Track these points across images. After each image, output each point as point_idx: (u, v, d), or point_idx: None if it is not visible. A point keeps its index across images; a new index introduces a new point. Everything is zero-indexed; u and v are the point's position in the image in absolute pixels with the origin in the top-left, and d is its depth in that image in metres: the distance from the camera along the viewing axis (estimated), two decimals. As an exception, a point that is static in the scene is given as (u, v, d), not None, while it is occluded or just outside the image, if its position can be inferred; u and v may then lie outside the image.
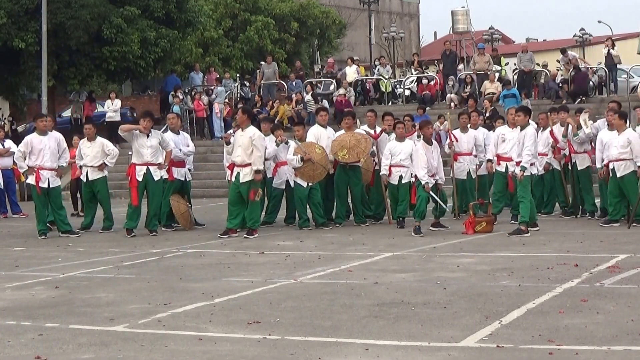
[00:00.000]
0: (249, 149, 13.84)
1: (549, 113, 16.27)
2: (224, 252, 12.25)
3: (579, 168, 15.41)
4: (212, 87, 29.81)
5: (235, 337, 6.89)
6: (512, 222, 14.54)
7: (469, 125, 16.21)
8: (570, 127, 15.20)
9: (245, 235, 13.70)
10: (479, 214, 14.15)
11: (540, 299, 8.01)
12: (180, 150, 15.45)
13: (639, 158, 13.90)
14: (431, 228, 14.07)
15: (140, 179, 14.59)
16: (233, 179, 14.05)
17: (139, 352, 6.47)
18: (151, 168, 14.61)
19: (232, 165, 14.18)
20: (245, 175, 13.89)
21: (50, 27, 26.98)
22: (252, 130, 14.08)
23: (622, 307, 7.57)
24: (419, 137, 14.98)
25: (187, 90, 30.31)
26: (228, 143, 14.34)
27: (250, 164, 13.83)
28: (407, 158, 14.71)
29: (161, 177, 14.78)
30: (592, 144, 15.15)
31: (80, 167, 15.90)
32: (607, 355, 6.04)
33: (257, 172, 13.81)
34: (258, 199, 13.84)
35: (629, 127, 14.65)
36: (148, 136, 14.66)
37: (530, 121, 13.84)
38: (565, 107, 16.49)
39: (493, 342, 6.45)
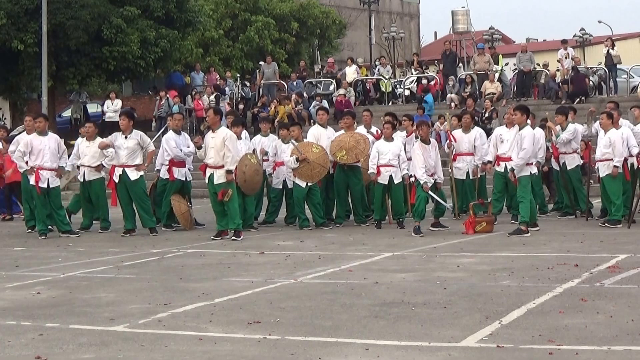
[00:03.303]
0: (221, 150, 13.64)
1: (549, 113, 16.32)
2: (224, 252, 12.25)
3: (568, 168, 15.43)
4: (224, 88, 29.90)
5: (236, 337, 6.89)
6: (512, 222, 14.55)
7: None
8: (553, 130, 15.30)
9: (233, 238, 13.60)
10: (479, 214, 14.15)
11: (541, 299, 8.02)
12: (181, 150, 15.47)
13: (617, 158, 13.86)
14: (431, 228, 14.07)
15: (117, 180, 14.70)
16: (207, 181, 13.98)
17: (139, 352, 6.47)
18: (127, 169, 14.66)
19: (204, 167, 14.06)
20: (220, 177, 13.70)
21: (50, 28, 26.98)
22: (224, 130, 13.96)
23: (622, 307, 7.57)
24: (417, 137, 14.97)
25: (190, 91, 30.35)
26: (200, 147, 14.20)
27: (223, 166, 13.66)
28: (396, 158, 14.69)
29: (140, 176, 14.76)
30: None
31: (78, 167, 15.88)
32: (607, 355, 6.04)
33: (228, 172, 13.66)
34: (227, 199, 13.62)
35: (627, 126, 14.65)
36: (126, 137, 14.72)
37: (528, 121, 13.86)
38: (562, 109, 16.33)
39: (493, 342, 6.45)
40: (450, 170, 15.68)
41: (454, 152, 15.71)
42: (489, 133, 17.64)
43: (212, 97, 29.00)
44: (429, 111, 25.36)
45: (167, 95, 29.36)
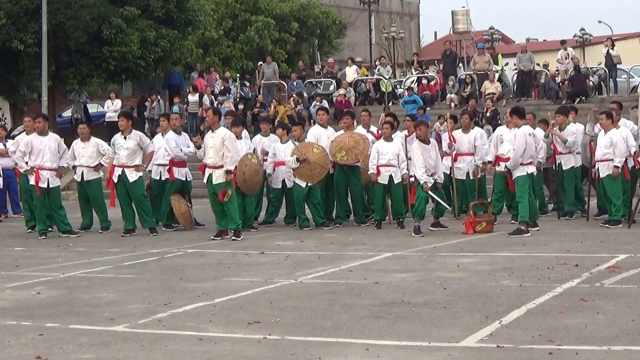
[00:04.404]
0: (220, 150, 13.65)
1: (549, 113, 16.31)
2: (224, 252, 12.25)
3: (563, 168, 15.44)
4: (229, 87, 29.94)
5: (236, 337, 6.89)
6: (512, 222, 14.55)
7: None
8: (560, 138, 15.31)
9: (233, 238, 13.61)
10: (479, 214, 14.14)
11: (541, 299, 8.02)
12: (181, 150, 15.45)
13: (618, 158, 13.84)
14: (431, 228, 14.07)
15: (115, 180, 14.70)
16: (205, 181, 13.97)
17: (139, 352, 6.47)
18: (126, 170, 14.67)
19: (203, 167, 14.05)
20: (218, 177, 13.68)
21: (50, 28, 26.97)
22: (223, 131, 13.96)
23: (622, 307, 7.58)
24: (416, 137, 14.96)
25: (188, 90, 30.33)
26: (199, 147, 14.20)
27: (222, 166, 13.65)
28: (395, 158, 14.68)
29: (139, 177, 14.77)
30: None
31: (74, 167, 15.85)
32: (607, 355, 6.04)
33: (227, 172, 13.65)
34: (227, 200, 13.62)
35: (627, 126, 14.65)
36: (126, 137, 14.73)
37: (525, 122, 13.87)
38: (562, 109, 16.33)
39: (493, 342, 6.46)
40: (451, 172, 15.63)
41: (454, 153, 15.70)
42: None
43: (194, 98, 28.96)
44: (413, 110, 25.29)
45: (159, 97, 29.38)
